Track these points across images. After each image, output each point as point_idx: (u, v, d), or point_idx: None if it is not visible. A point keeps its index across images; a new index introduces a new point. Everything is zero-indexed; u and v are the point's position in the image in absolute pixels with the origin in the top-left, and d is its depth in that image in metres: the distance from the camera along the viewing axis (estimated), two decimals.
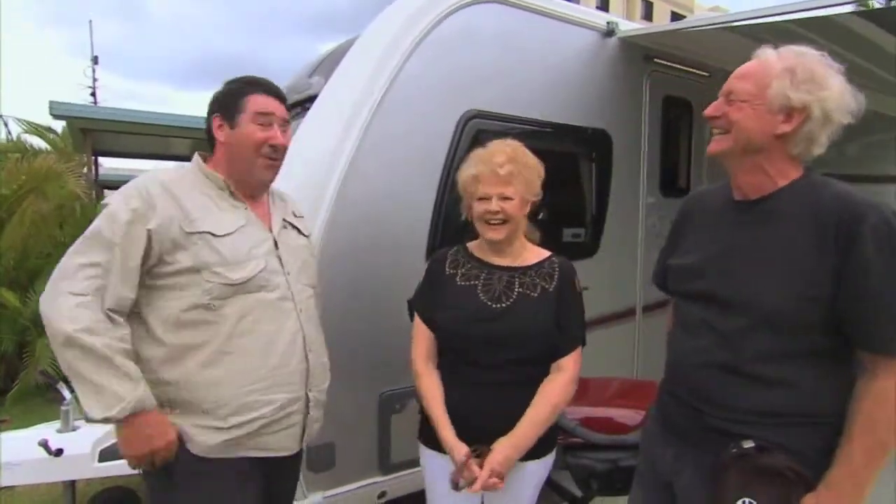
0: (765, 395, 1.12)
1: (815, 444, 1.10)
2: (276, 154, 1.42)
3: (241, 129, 1.37)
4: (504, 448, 1.38)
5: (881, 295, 1.02)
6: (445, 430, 1.44)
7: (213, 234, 1.30)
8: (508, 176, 1.45)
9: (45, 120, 7.61)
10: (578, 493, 1.93)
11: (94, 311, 1.19)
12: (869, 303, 1.03)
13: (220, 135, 1.39)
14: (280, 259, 1.41)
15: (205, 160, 1.43)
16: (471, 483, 1.35)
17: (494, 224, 1.47)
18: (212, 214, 1.33)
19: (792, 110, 1.08)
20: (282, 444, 1.39)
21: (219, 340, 1.28)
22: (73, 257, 1.24)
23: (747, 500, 1.07)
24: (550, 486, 2.06)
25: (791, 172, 1.14)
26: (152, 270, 1.27)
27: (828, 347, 1.10)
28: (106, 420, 1.18)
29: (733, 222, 1.21)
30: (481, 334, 1.45)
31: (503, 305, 1.46)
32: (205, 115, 1.45)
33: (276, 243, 1.42)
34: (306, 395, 1.42)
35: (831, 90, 1.07)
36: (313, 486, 1.95)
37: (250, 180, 1.42)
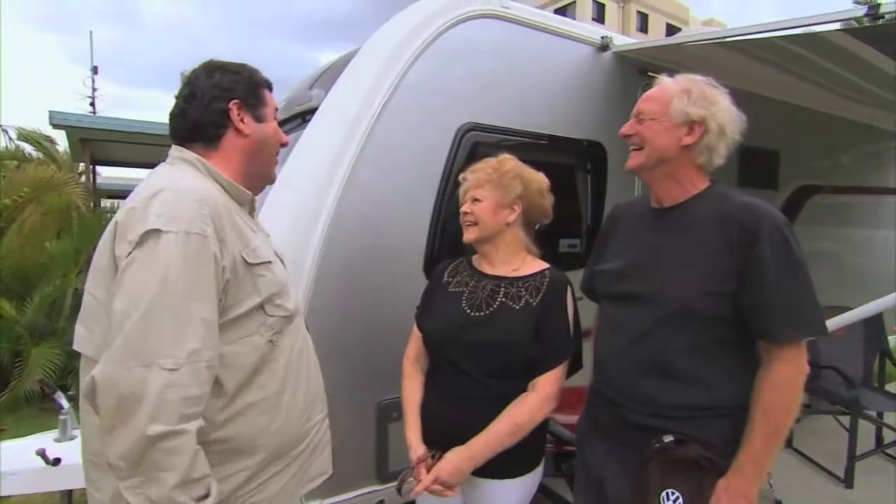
0: (680, 390, 1.24)
1: (724, 434, 1.22)
2: None
3: (268, 124, 1.23)
4: (454, 458, 1.37)
5: (775, 291, 1.17)
6: (411, 431, 1.48)
7: (270, 263, 1.13)
8: (480, 180, 1.52)
9: (46, 129, 7.62)
10: (573, 499, 1.94)
11: None
12: (765, 298, 1.17)
13: (246, 126, 1.18)
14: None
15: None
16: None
17: (467, 225, 1.53)
18: (255, 237, 1.13)
19: (693, 123, 1.25)
20: (321, 468, 1.31)
21: (277, 380, 1.13)
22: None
23: (670, 491, 1.17)
24: (544, 493, 2.08)
25: (699, 182, 1.31)
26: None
27: (735, 340, 1.23)
28: None
29: (651, 228, 1.35)
30: (456, 340, 1.47)
31: (482, 314, 1.47)
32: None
33: (280, 259, 1.28)
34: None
35: (720, 106, 1.26)
36: (311, 495, 1.95)
37: (262, 184, 1.28)
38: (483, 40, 2.36)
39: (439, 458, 1.39)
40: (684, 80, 1.30)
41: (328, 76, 2.47)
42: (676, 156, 1.27)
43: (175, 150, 1.17)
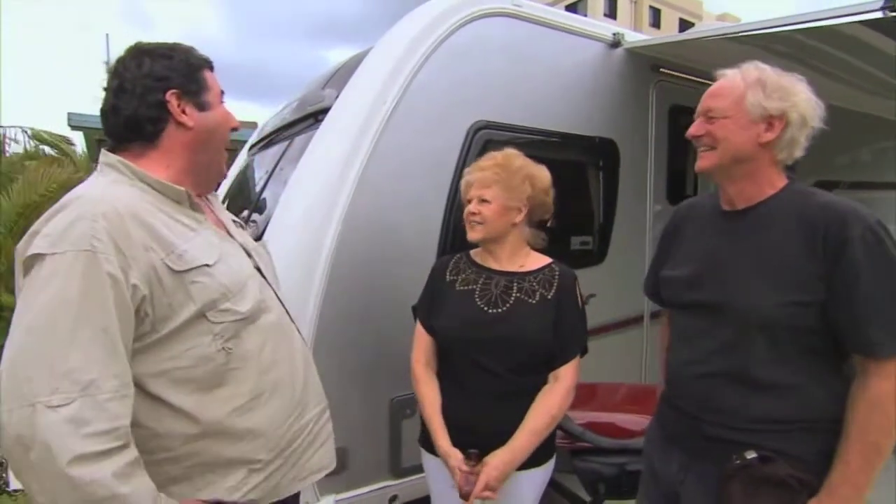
0: (763, 402, 1.15)
1: (814, 449, 1.12)
2: None
3: (215, 111, 1.11)
4: (500, 462, 1.38)
5: (871, 299, 1.05)
6: (440, 436, 1.46)
7: (208, 266, 1.01)
8: (487, 180, 1.51)
9: (64, 130, 7.75)
10: (587, 497, 1.95)
11: None
12: (859, 307, 1.06)
13: (188, 118, 1.06)
14: (259, 269, 1.17)
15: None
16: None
17: (473, 224, 1.52)
18: (189, 239, 1.02)
19: (771, 118, 1.14)
20: (320, 462, 1.24)
21: (248, 386, 1.05)
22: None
23: None
24: (558, 490, 2.09)
25: (776, 180, 1.19)
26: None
27: (823, 351, 1.13)
28: None
29: (723, 232, 1.24)
30: (476, 338, 1.47)
31: (499, 310, 1.47)
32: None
33: (247, 252, 1.18)
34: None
35: (801, 96, 1.14)
36: (325, 489, 1.98)
37: (213, 177, 1.18)
38: (494, 38, 2.36)
39: (475, 456, 1.39)
40: (754, 69, 1.18)
41: (340, 76, 2.49)
42: (755, 154, 1.16)
43: (102, 156, 1.06)
